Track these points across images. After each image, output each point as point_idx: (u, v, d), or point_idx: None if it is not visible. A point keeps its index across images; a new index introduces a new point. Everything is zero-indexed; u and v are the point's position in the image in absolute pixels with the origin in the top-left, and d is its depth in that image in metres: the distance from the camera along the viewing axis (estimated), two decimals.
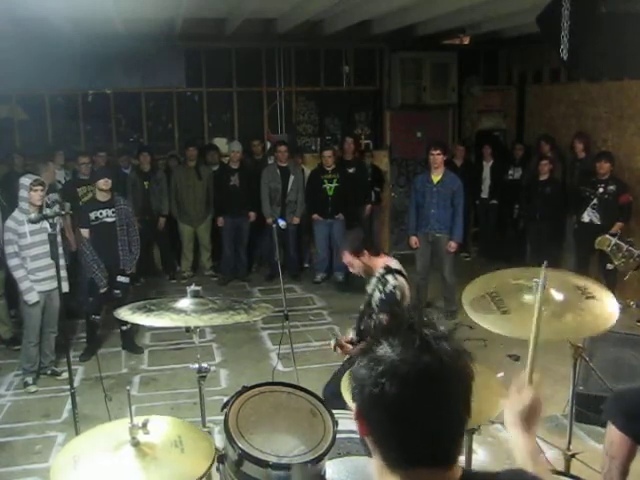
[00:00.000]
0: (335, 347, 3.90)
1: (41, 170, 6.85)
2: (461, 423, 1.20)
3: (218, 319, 2.99)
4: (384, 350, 1.17)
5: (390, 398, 1.13)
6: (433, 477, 1.18)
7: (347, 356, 3.96)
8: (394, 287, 3.74)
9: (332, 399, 3.11)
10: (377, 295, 3.82)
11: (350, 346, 3.92)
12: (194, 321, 2.97)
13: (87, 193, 7.28)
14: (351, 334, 4.07)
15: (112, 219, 6.01)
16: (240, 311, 3.12)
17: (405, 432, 1.15)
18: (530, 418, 1.64)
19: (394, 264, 3.90)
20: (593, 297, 2.77)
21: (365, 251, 3.90)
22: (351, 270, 4.04)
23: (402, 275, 3.85)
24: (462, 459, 3.21)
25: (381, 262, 3.91)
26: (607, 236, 2.84)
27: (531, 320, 1.92)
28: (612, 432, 2.60)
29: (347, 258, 3.96)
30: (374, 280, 3.88)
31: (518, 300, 2.76)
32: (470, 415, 1.20)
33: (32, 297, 5.38)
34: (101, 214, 5.98)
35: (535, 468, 1.52)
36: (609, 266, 3.04)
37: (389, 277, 3.78)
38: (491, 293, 2.79)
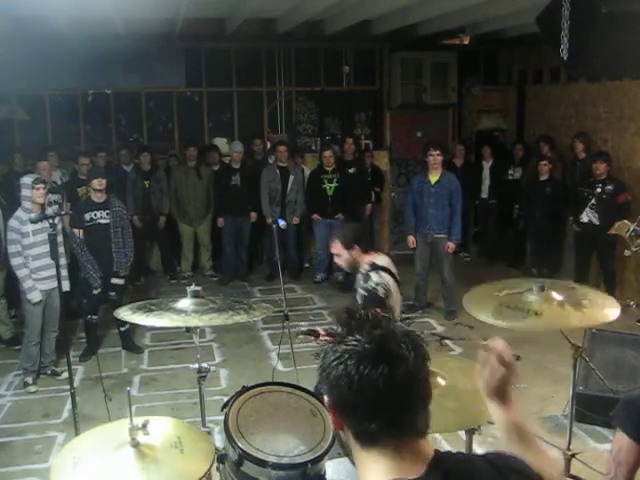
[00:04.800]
0: (309, 332, 3.94)
1: (38, 169, 6.87)
2: (422, 392, 1.27)
3: (218, 319, 3.00)
4: (348, 339, 1.28)
5: (352, 375, 1.22)
6: (403, 448, 1.24)
7: None
8: (376, 284, 3.74)
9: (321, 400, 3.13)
10: (360, 292, 3.84)
11: (328, 338, 3.92)
12: (194, 321, 2.98)
13: (87, 193, 7.29)
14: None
15: (106, 221, 5.99)
16: (240, 311, 3.12)
17: (369, 404, 1.22)
18: (501, 390, 1.61)
19: (380, 261, 3.89)
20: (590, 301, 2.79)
21: (356, 245, 3.91)
22: (337, 261, 4.03)
23: (389, 272, 3.83)
24: None
25: (368, 259, 3.91)
26: (626, 221, 2.84)
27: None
28: (621, 438, 2.60)
29: (336, 248, 3.96)
30: (359, 276, 3.89)
31: (529, 301, 2.77)
32: (430, 387, 1.28)
33: (35, 296, 5.39)
34: (95, 215, 5.97)
35: (520, 445, 1.51)
36: (627, 252, 3.02)
37: (372, 274, 3.79)
38: (504, 304, 2.80)
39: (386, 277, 3.80)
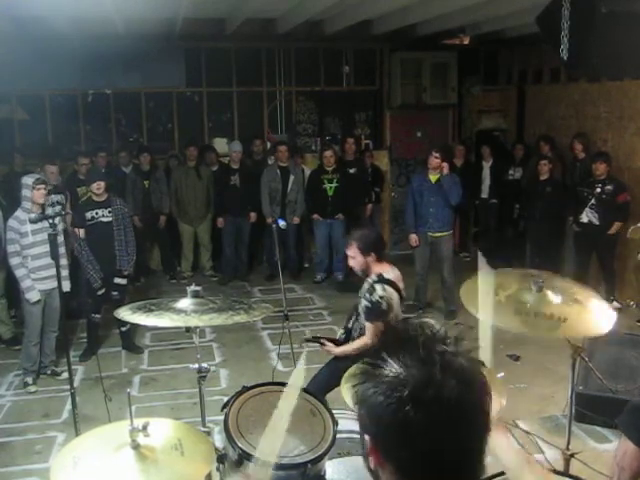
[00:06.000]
0: (313, 339, 3.96)
1: (46, 172, 6.90)
2: (485, 440, 1.11)
3: (218, 319, 2.99)
4: (397, 371, 1.07)
5: (416, 426, 1.03)
6: None
7: (330, 356, 3.99)
8: (380, 297, 3.75)
9: None
10: (363, 302, 3.85)
11: (333, 345, 3.94)
12: (194, 321, 2.97)
13: (87, 193, 7.29)
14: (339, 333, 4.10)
15: (108, 219, 6.00)
16: (240, 311, 3.12)
17: (433, 458, 1.06)
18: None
19: (390, 274, 3.89)
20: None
21: (373, 253, 3.90)
22: (350, 263, 4.03)
23: (393, 286, 3.84)
24: None
25: (378, 269, 3.90)
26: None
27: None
28: (626, 444, 2.60)
29: (352, 250, 3.94)
30: (365, 285, 3.89)
31: (527, 301, 2.76)
32: (490, 429, 1.12)
33: (33, 296, 5.40)
34: (97, 214, 5.98)
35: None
36: None
37: (377, 286, 3.79)
38: (502, 300, 2.79)
39: (390, 291, 3.81)
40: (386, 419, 1.05)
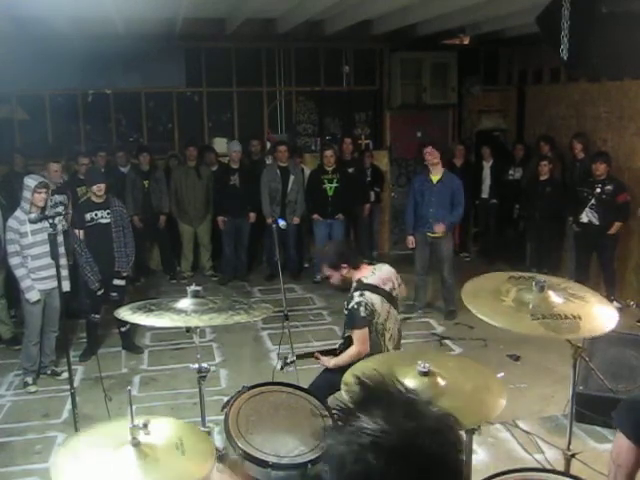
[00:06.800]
0: (304, 356, 3.96)
1: (49, 170, 6.89)
2: None
3: (218, 319, 2.99)
4: (363, 421, 1.03)
5: (376, 474, 1.00)
6: None
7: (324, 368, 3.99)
8: (357, 304, 3.73)
9: None
10: (344, 311, 3.86)
11: (327, 358, 3.93)
12: (194, 321, 2.97)
13: (86, 193, 7.29)
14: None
15: (107, 220, 5.99)
16: (240, 311, 3.12)
17: None
18: None
19: (367, 278, 3.85)
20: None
21: (344, 264, 3.88)
22: (331, 282, 4.04)
23: (374, 291, 3.81)
24: (462, 459, 3.21)
25: (358, 275, 3.89)
26: None
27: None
28: (621, 440, 2.60)
29: (325, 271, 3.96)
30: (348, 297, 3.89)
31: (526, 301, 2.76)
32: None
33: (33, 295, 5.40)
34: (96, 215, 5.97)
35: None
36: None
37: (355, 294, 3.79)
38: (506, 301, 2.79)
39: (369, 295, 3.78)
40: (348, 468, 1.02)
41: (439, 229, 6.84)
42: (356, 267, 3.91)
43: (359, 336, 3.75)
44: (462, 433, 1.07)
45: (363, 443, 1.01)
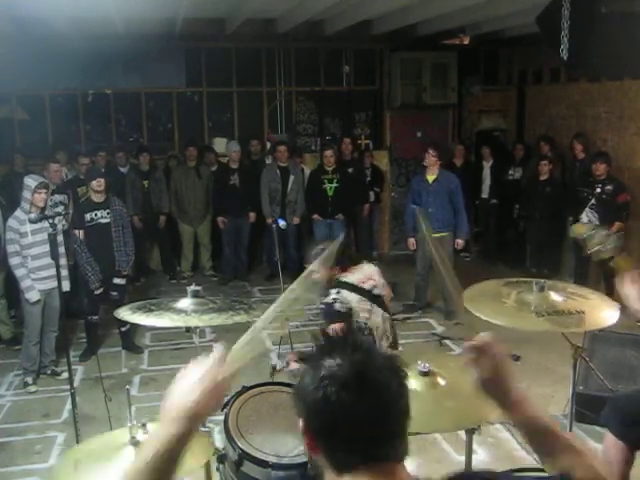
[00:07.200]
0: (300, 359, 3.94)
1: (49, 170, 6.88)
2: (402, 419, 1.23)
3: (218, 319, 2.99)
4: (325, 361, 1.24)
5: (332, 401, 1.18)
6: (380, 474, 1.20)
7: None
8: (333, 300, 3.74)
9: None
10: (320, 307, 3.86)
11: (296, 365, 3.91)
12: (194, 321, 2.97)
13: (86, 192, 7.29)
14: None
15: (107, 220, 5.99)
16: (240, 311, 3.12)
17: (349, 432, 1.19)
18: (499, 385, 1.50)
19: (347, 277, 3.84)
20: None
21: (335, 268, 3.87)
22: (317, 277, 4.02)
23: (352, 290, 3.80)
24: (462, 459, 3.21)
25: (339, 275, 3.89)
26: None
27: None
28: (609, 438, 2.62)
29: (315, 266, 3.93)
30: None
31: (528, 301, 2.77)
32: (410, 413, 1.24)
33: (33, 295, 5.40)
34: (96, 215, 5.97)
35: (543, 446, 1.40)
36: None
37: (332, 291, 3.79)
38: (507, 304, 2.80)
39: (345, 293, 3.78)
40: (310, 398, 1.21)
41: (459, 245, 7.06)
42: (344, 269, 3.92)
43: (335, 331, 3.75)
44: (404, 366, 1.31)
45: (322, 375, 1.21)
